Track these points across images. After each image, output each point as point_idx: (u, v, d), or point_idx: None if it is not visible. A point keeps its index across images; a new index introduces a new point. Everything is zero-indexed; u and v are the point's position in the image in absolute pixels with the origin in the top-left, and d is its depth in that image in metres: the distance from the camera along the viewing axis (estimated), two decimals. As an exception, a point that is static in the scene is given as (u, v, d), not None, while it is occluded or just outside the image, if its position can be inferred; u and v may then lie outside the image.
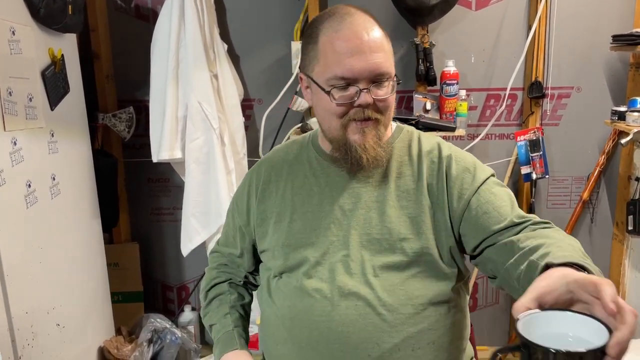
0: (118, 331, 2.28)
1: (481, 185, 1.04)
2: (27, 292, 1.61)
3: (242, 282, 1.26)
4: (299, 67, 1.12)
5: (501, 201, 1.01)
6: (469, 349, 1.13)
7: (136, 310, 2.44)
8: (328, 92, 1.00)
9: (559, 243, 0.87)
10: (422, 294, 1.00)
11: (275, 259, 1.09)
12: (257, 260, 1.22)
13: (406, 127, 1.16)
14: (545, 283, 0.68)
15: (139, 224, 2.53)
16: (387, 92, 1.01)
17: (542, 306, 0.66)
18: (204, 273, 1.31)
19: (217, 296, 1.23)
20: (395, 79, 1.03)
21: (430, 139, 1.12)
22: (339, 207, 1.06)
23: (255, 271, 1.25)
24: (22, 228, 1.61)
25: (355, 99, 0.99)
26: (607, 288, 0.61)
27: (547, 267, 0.77)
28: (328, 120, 1.04)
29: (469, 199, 1.02)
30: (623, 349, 0.57)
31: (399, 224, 1.03)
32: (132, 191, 2.50)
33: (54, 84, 1.83)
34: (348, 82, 0.98)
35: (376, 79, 0.99)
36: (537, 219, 1.00)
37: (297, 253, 1.06)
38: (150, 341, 2.20)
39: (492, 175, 1.08)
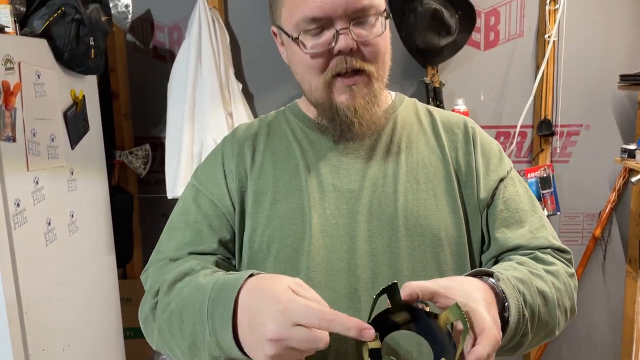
0: (130, 367, 2.28)
1: (508, 173, 0.91)
2: (44, 329, 1.63)
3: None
4: (271, 20, 0.90)
5: (524, 205, 0.89)
6: None
7: (148, 346, 2.43)
8: (297, 40, 0.80)
9: (530, 266, 0.80)
10: None
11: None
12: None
13: (407, 97, 0.98)
14: (450, 285, 0.64)
15: (152, 259, 2.55)
16: (374, 32, 0.80)
17: (424, 300, 0.63)
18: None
19: (183, 275, 0.81)
20: (385, 15, 0.81)
21: (448, 112, 0.96)
22: (335, 188, 0.86)
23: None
24: (41, 265, 1.63)
25: (333, 44, 0.78)
26: (484, 345, 0.58)
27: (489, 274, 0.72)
28: (307, 78, 0.84)
29: (494, 186, 0.88)
30: None
31: (417, 205, 0.84)
32: (147, 227, 2.53)
33: (75, 123, 1.88)
34: (321, 23, 0.78)
35: (357, 16, 0.78)
36: (557, 245, 0.88)
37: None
38: (161, 378, 2.20)
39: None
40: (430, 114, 0.95)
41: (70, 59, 1.78)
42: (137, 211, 2.48)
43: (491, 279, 0.71)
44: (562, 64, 2.27)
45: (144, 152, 2.34)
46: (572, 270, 0.87)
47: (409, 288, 0.63)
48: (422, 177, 0.87)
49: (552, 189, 2.27)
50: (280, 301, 0.61)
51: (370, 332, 0.58)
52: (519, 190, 0.91)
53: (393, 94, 0.97)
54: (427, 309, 0.63)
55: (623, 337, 2.40)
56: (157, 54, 2.43)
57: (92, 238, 2.00)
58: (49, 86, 1.71)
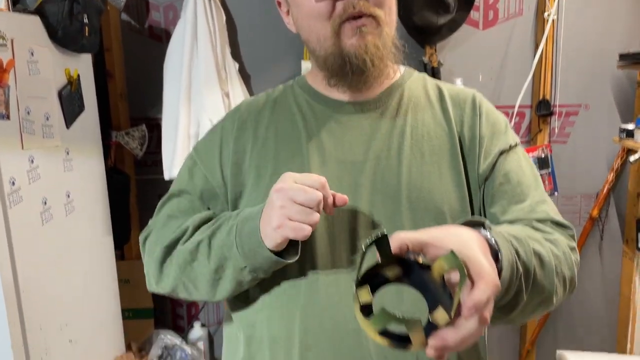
0: (129, 347, 2.28)
1: (511, 148, 0.89)
2: (41, 308, 1.63)
3: None
4: None
5: (527, 180, 0.87)
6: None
7: (146, 326, 2.45)
8: None
9: (528, 232, 0.77)
10: None
11: None
12: None
13: (417, 71, 0.98)
14: (441, 235, 0.61)
15: (149, 241, 2.55)
16: None
17: (414, 251, 0.61)
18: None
19: (205, 221, 0.88)
20: None
21: (457, 87, 0.95)
22: (337, 159, 0.85)
23: None
24: (37, 244, 1.63)
25: None
26: (482, 289, 0.55)
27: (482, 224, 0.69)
28: (315, 29, 0.84)
29: (495, 159, 0.86)
30: (441, 344, 0.55)
31: (421, 178, 0.84)
32: (144, 208, 2.53)
33: (70, 103, 1.87)
34: None
35: None
36: (557, 219, 0.86)
37: None
38: (160, 357, 2.21)
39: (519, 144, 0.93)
40: (439, 88, 0.94)
41: (64, 37, 1.76)
42: (134, 192, 2.47)
43: (483, 231, 0.68)
44: (561, 43, 2.26)
45: (141, 133, 2.33)
46: (574, 244, 0.85)
47: (398, 239, 0.60)
48: (427, 151, 0.86)
49: (550, 170, 2.27)
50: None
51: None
52: (523, 165, 0.89)
53: (402, 68, 0.96)
54: (420, 260, 0.60)
55: (619, 317, 2.41)
56: (152, 34, 2.40)
57: (88, 218, 1.99)
58: (43, 64, 1.69)
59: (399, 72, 0.95)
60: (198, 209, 0.91)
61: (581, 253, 2.36)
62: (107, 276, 2.14)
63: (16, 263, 1.50)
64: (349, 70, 0.83)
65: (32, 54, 1.63)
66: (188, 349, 2.24)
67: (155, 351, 2.21)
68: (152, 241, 0.91)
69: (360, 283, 0.58)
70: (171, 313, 2.63)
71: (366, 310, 0.57)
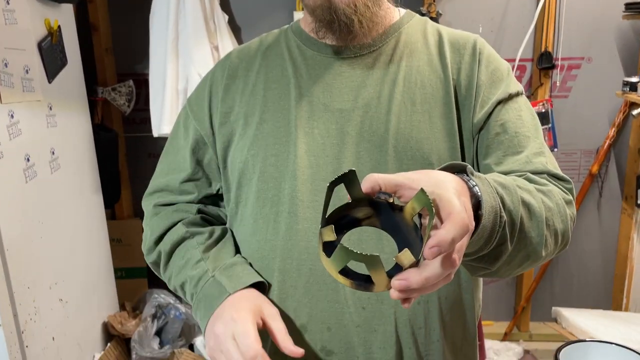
0: (122, 307, 2.27)
1: (511, 97, 0.83)
2: (28, 267, 1.60)
3: (198, 217, 0.93)
4: None
5: (526, 130, 0.82)
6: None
7: (140, 286, 2.43)
8: None
9: (519, 182, 0.72)
10: None
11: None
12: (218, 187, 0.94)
13: (418, 15, 0.92)
14: (416, 177, 0.56)
15: (141, 200, 2.51)
16: None
17: (386, 193, 0.56)
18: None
19: (177, 244, 0.89)
20: None
21: (459, 31, 0.89)
22: (325, 107, 0.83)
23: (215, 199, 0.95)
24: (21, 203, 1.58)
25: None
26: (447, 228, 0.51)
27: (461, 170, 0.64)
28: None
29: (491, 108, 0.82)
30: (404, 285, 0.51)
31: (410, 127, 0.80)
32: (134, 167, 2.47)
33: (51, 55, 1.79)
34: None
35: None
36: (555, 173, 0.81)
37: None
38: (154, 316, 2.20)
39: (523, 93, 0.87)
40: (439, 33, 0.88)
41: (41, -16, 1.67)
42: (123, 151, 2.42)
43: (465, 176, 0.63)
44: (565, -8, 2.16)
45: (128, 89, 2.25)
46: (571, 198, 0.79)
47: (370, 180, 0.56)
48: (419, 98, 0.82)
49: (550, 125, 2.20)
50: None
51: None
52: (523, 115, 0.83)
53: (403, 11, 0.91)
54: (391, 201, 0.56)
55: (615, 274, 2.40)
56: (137, -16, 2.29)
57: (75, 176, 1.94)
58: (20, 14, 1.60)
59: (397, 14, 0.89)
60: (189, 163, 0.91)
61: (579, 210, 2.33)
62: (98, 235, 2.10)
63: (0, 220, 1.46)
64: (337, 27, 0.80)
65: (7, 2, 1.54)
66: (182, 308, 2.23)
67: (148, 310, 2.20)
68: (149, 230, 0.94)
69: (327, 223, 0.55)
70: (165, 273, 2.61)
71: (330, 249, 0.54)
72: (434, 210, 0.51)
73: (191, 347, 2.23)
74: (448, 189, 0.55)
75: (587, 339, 1.50)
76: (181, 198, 0.93)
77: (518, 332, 2.45)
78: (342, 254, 0.51)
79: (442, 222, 0.52)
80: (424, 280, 0.51)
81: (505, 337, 2.42)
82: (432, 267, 0.52)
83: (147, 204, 0.97)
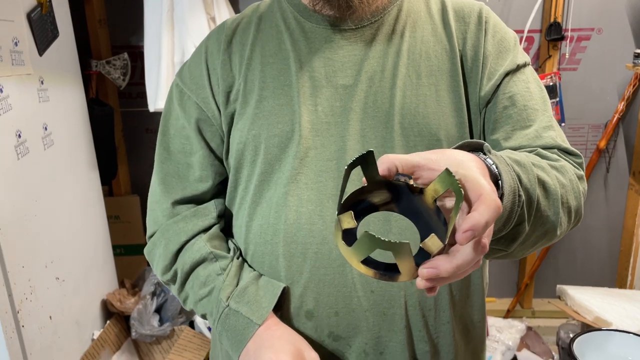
0: (121, 284, 2.25)
1: (519, 68, 0.80)
2: (22, 246, 1.56)
3: (218, 229, 0.87)
4: None
5: (535, 103, 0.79)
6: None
7: (139, 263, 2.41)
8: None
9: (532, 158, 0.70)
10: None
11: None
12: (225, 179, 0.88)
13: None
14: (435, 157, 0.53)
15: (139, 176, 2.47)
16: None
17: (404, 174, 0.52)
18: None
19: (197, 264, 0.83)
20: None
21: (464, 0, 0.85)
22: (328, 83, 0.79)
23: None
24: (13, 180, 1.54)
25: None
26: (481, 211, 0.47)
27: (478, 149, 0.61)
28: None
29: (499, 81, 0.78)
30: (433, 273, 0.48)
31: (416, 102, 0.77)
32: (131, 142, 2.42)
33: (42, 27, 1.72)
34: None
35: None
36: (565, 147, 0.78)
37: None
38: (153, 294, 2.18)
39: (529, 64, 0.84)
40: (443, 1, 0.84)
41: (28, -49, 1.59)
42: (119, 126, 2.36)
43: (482, 155, 0.60)
44: (576, -40, 2.08)
45: (122, 62, 2.19)
46: (582, 172, 0.77)
47: (386, 161, 0.51)
48: (425, 71, 0.78)
49: (558, 99, 2.14)
50: None
51: None
52: (531, 87, 0.81)
53: None
54: (411, 183, 0.52)
55: (621, 250, 2.37)
56: (131, -48, 2.21)
57: (70, 153, 1.89)
58: (6, -18, 1.53)
59: None
60: (194, 145, 0.85)
61: (587, 185, 2.29)
62: (95, 212, 2.06)
63: (-10, 199, 1.42)
64: (335, 3, 0.76)
65: (-8, -30, 1.47)
66: (182, 285, 2.21)
67: (148, 287, 2.18)
68: (159, 253, 0.87)
69: (343, 209, 0.51)
70: (165, 249, 2.59)
71: (349, 237, 0.50)
72: (461, 192, 0.47)
73: (191, 324, 2.21)
74: (472, 169, 0.52)
75: (603, 328, 1.47)
76: (195, 187, 0.86)
77: (521, 309, 2.43)
78: (367, 242, 0.46)
79: (469, 204, 0.49)
80: (455, 268, 0.48)
81: (508, 314, 2.40)
82: (463, 254, 0.48)
83: (164, 200, 0.89)
